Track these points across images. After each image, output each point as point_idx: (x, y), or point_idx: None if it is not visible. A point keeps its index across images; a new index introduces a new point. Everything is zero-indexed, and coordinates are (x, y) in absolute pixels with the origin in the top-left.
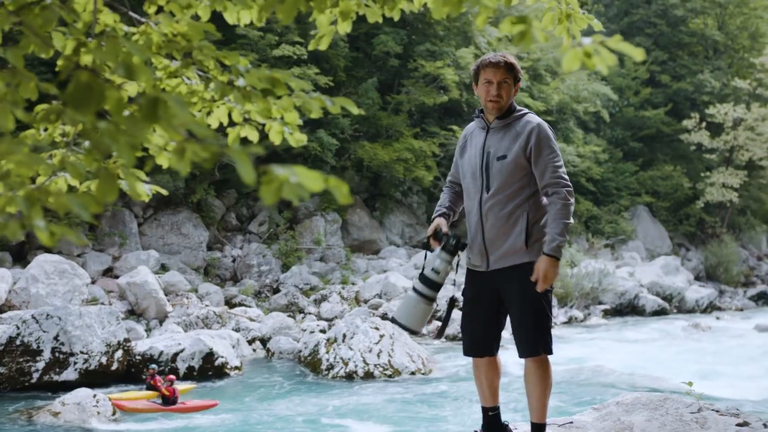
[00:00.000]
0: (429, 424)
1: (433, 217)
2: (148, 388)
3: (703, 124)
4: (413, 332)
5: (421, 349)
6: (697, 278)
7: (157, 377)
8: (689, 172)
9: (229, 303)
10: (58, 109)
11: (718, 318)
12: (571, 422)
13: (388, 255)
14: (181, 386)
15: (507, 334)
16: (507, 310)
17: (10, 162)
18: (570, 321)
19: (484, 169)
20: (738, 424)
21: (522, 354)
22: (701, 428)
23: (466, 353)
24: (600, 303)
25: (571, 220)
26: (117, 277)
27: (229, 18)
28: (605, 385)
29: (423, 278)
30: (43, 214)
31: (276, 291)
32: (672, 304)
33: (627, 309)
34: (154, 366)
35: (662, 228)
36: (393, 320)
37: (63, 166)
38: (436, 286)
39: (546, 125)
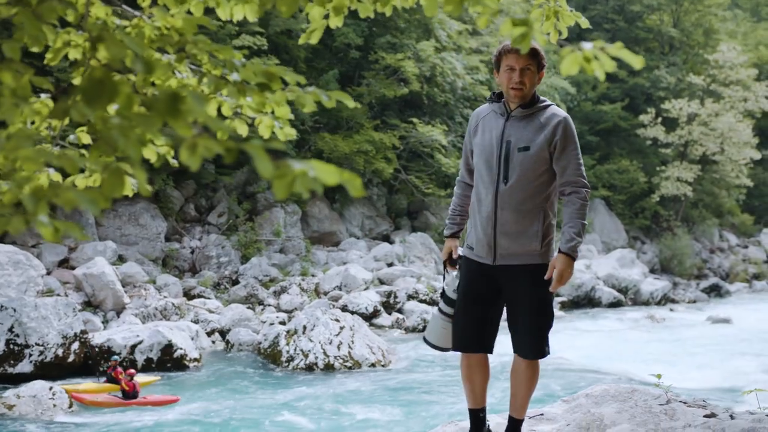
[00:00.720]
0: (389, 417)
1: (445, 233)
2: (108, 380)
3: (659, 119)
4: (443, 350)
5: (380, 341)
6: (652, 271)
7: (119, 369)
8: (645, 167)
9: (188, 294)
10: (65, 106)
11: (671, 310)
12: (542, 414)
13: (348, 247)
14: (145, 378)
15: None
16: (507, 306)
17: (17, 157)
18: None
19: (503, 158)
20: (705, 416)
21: (524, 355)
22: (670, 419)
23: (459, 348)
24: (557, 295)
25: (586, 221)
26: (73, 268)
27: (222, 13)
28: (570, 377)
29: (446, 299)
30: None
31: (235, 283)
32: (627, 297)
33: (584, 301)
34: (116, 357)
35: (618, 221)
36: (425, 341)
37: (60, 161)
38: (452, 302)
39: (571, 120)
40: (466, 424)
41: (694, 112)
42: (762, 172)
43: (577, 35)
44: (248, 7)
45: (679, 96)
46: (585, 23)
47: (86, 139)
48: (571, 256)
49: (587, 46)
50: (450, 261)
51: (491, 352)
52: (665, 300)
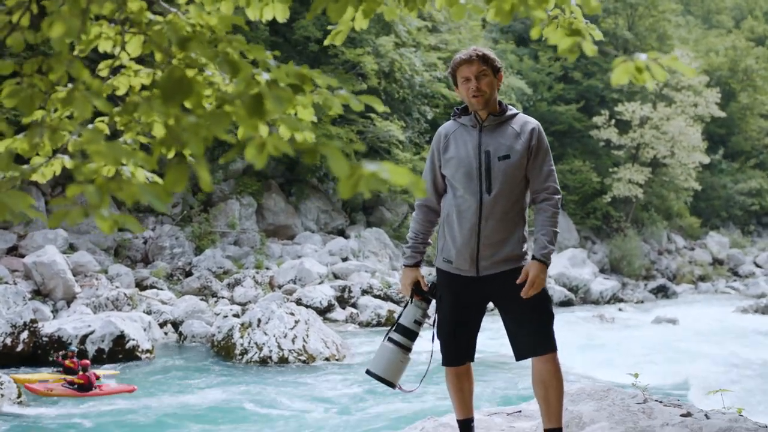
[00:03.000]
0: (342, 411)
1: (407, 262)
2: (64, 371)
3: (612, 121)
4: (391, 385)
5: (335, 335)
6: (602, 271)
7: (74, 360)
8: (597, 167)
9: (140, 285)
10: (135, 101)
11: (620, 309)
12: (520, 411)
13: (303, 241)
14: (104, 371)
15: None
16: (505, 314)
17: (90, 151)
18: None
19: (484, 169)
20: (682, 415)
21: (541, 351)
22: (648, 418)
23: (449, 363)
24: None
25: (558, 230)
26: (22, 256)
27: (251, 14)
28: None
29: (402, 329)
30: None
31: (189, 274)
32: (578, 296)
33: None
34: (73, 348)
35: (570, 221)
36: (368, 372)
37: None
38: (414, 337)
39: None
40: (446, 419)
41: (646, 115)
42: (709, 176)
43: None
44: (279, 7)
45: (632, 99)
46: (599, 35)
47: (104, 130)
48: (544, 262)
49: (641, 56)
50: (417, 291)
51: (473, 360)
52: (614, 299)
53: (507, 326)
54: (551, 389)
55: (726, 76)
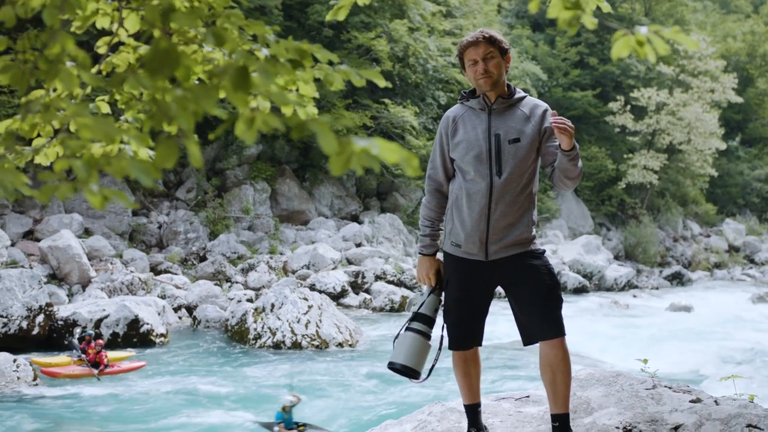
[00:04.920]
0: (356, 396)
1: (426, 251)
2: (83, 353)
3: (628, 107)
4: (415, 374)
5: (348, 320)
6: (617, 257)
7: (92, 344)
8: (613, 154)
9: (155, 270)
10: (123, 75)
11: (635, 296)
12: (528, 396)
13: (316, 226)
14: (117, 354)
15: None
16: (513, 298)
17: (76, 125)
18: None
19: (494, 152)
20: (691, 401)
21: (550, 335)
22: (657, 404)
23: (457, 347)
24: None
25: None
26: (38, 240)
27: None
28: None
29: (423, 318)
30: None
31: (203, 259)
32: (592, 282)
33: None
34: (90, 332)
35: (585, 207)
36: (392, 367)
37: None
38: (434, 324)
39: None
40: (453, 404)
41: (662, 101)
42: (726, 163)
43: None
44: None
45: (649, 85)
46: (607, 8)
47: (105, 109)
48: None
49: (642, 29)
50: (438, 281)
51: (480, 344)
52: (628, 286)
53: (515, 311)
54: (559, 374)
55: (743, 62)
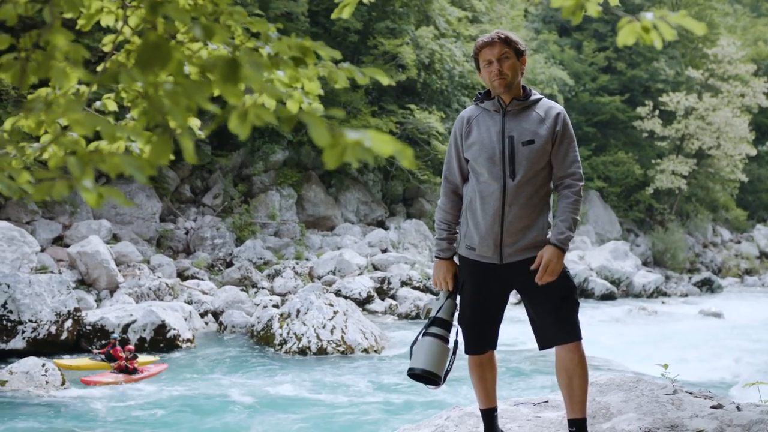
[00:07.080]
0: (382, 402)
1: (443, 255)
2: (107, 358)
3: (656, 112)
4: (435, 380)
5: (373, 326)
6: (645, 264)
7: (118, 348)
8: (641, 159)
9: (182, 275)
10: (115, 71)
11: (663, 303)
12: (547, 401)
13: (342, 232)
14: (145, 359)
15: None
16: (529, 301)
17: (67, 120)
18: (520, 302)
19: (507, 154)
20: (712, 407)
21: (566, 339)
22: (677, 410)
23: (473, 351)
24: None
25: (579, 215)
26: (67, 246)
27: None
28: None
29: (441, 322)
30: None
31: (229, 265)
32: (620, 289)
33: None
34: (115, 336)
35: (612, 213)
36: (412, 374)
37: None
38: (450, 328)
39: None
40: (471, 409)
41: (691, 105)
42: (757, 168)
43: (577, 26)
44: None
45: (677, 89)
46: (614, 0)
47: (112, 106)
48: (561, 248)
49: (648, 15)
50: (454, 285)
51: (495, 348)
52: (657, 293)
53: (530, 314)
54: (575, 378)
55: None
